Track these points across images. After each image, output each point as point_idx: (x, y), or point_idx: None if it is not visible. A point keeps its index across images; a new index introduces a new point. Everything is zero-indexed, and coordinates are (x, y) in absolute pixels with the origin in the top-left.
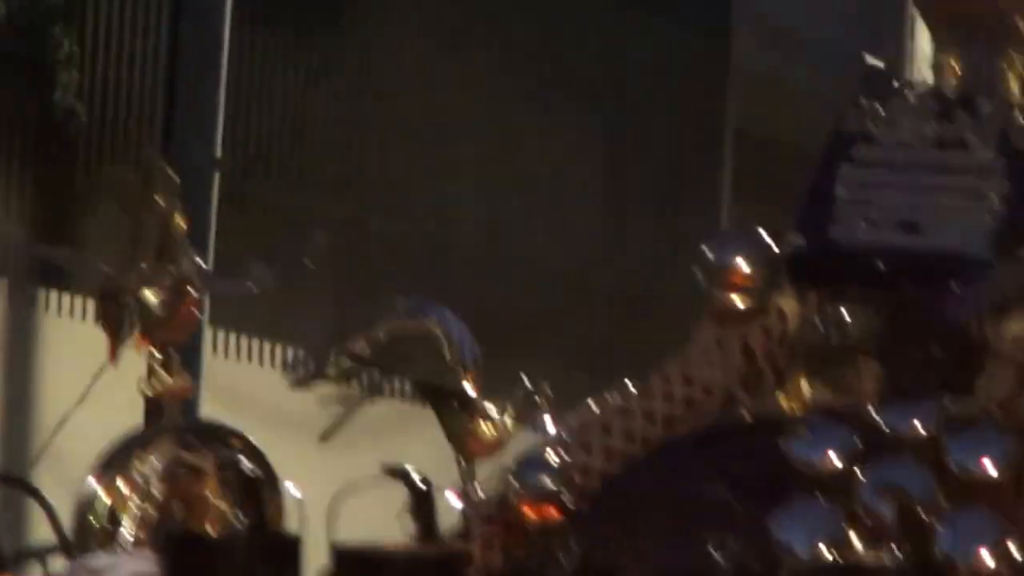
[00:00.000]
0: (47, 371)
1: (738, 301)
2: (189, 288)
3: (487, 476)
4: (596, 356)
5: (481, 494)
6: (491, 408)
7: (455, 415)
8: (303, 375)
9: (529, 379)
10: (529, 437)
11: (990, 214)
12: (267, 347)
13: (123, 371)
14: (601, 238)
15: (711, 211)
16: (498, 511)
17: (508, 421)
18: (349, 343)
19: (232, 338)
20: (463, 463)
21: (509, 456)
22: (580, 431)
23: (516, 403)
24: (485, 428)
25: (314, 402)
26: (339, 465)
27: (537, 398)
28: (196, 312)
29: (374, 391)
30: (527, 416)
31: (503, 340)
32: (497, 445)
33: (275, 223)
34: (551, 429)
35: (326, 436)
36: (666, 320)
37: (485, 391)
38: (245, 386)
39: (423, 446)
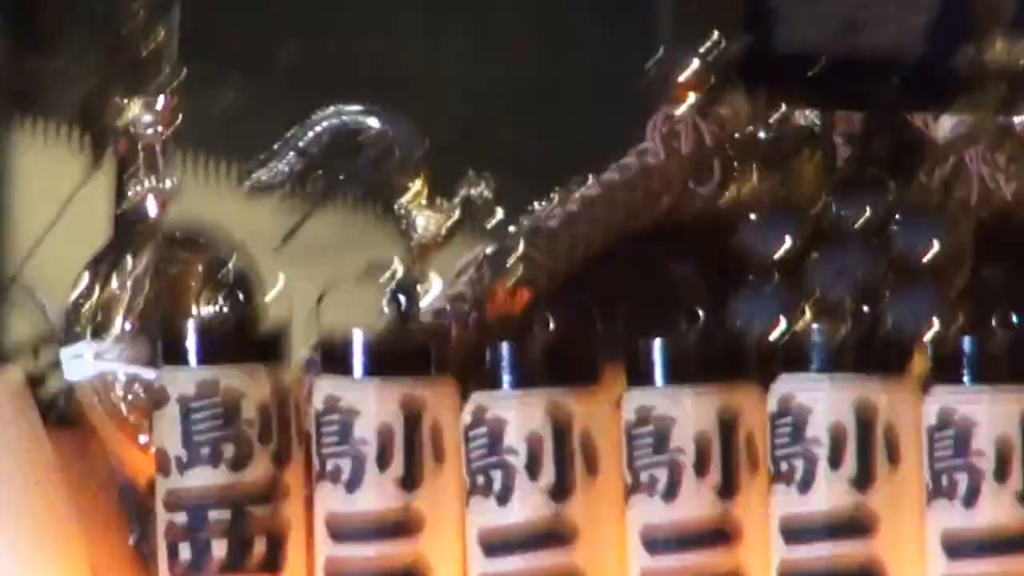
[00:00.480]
0: (20, 197)
1: (690, 100)
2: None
3: (461, 265)
4: (540, 165)
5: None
6: (439, 206)
7: (407, 220)
8: (258, 182)
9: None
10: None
11: (928, 11)
12: (223, 164)
13: (98, 196)
14: (538, 48)
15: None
16: (473, 295)
17: (454, 216)
18: (295, 145)
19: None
20: (412, 257)
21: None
22: (547, 220)
23: (463, 200)
24: (433, 224)
25: (271, 214)
26: (299, 273)
27: (485, 194)
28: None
29: (326, 198)
30: (475, 212)
31: (448, 150)
32: (445, 241)
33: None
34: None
35: (283, 243)
36: (611, 125)
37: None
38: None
39: (377, 250)
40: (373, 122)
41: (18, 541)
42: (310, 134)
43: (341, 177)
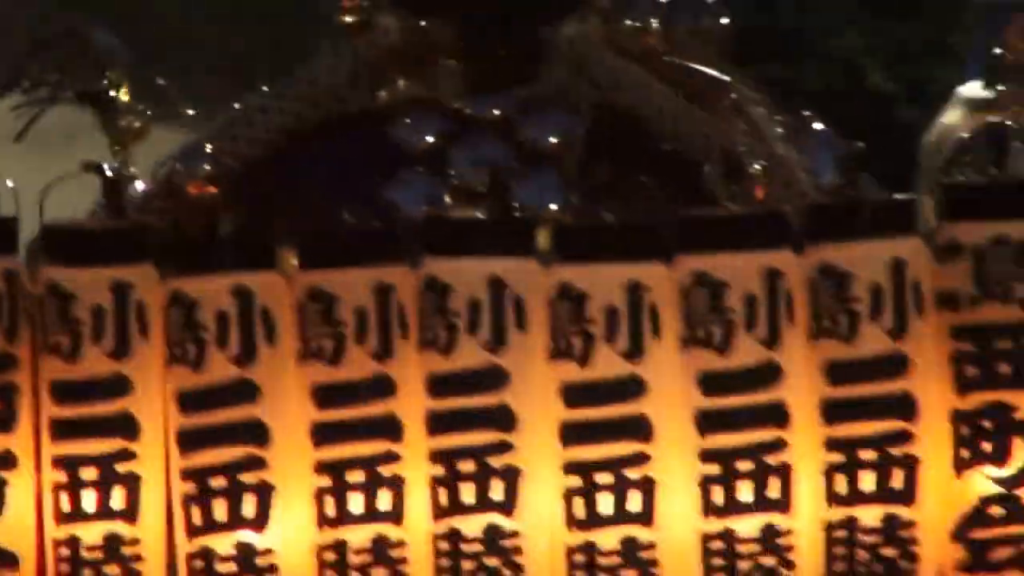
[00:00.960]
0: None
1: (349, 19)
2: None
3: (153, 164)
4: (237, 68)
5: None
6: (138, 107)
7: (111, 115)
8: None
9: (170, 86)
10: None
11: None
12: None
13: None
14: None
15: None
16: (167, 191)
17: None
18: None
19: None
20: (119, 154)
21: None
22: (231, 124)
23: (159, 103)
24: (133, 124)
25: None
26: (33, 164)
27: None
28: None
29: (53, 100)
30: (169, 112)
31: (154, 55)
32: (142, 136)
33: None
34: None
35: (18, 138)
36: (293, 37)
37: (135, 95)
38: None
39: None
40: (83, 29)
41: None
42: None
43: (56, 79)
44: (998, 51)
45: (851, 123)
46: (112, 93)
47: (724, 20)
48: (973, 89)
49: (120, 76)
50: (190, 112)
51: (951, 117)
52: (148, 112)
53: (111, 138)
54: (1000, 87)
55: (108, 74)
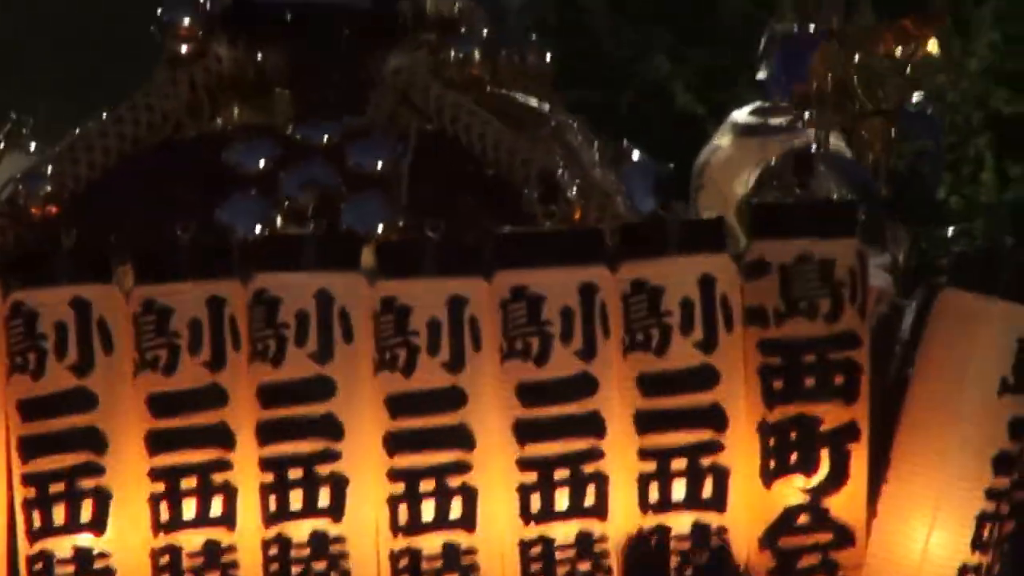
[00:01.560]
0: None
1: (184, 48)
2: None
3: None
4: (82, 92)
5: None
6: None
7: None
8: None
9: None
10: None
11: None
12: None
13: None
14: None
15: None
16: (10, 210)
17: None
18: None
19: None
20: None
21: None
22: (71, 148)
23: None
24: None
25: None
26: None
27: (24, 128)
28: None
29: None
30: (15, 140)
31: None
32: None
33: None
34: (40, 150)
35: None
36: (136, 64)
37: None
38: None
39: None
40: None
41: None
42: None
43: None
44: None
45: (662, 143)
46: None
47: (546, 55)
48: (742, 115)
49: None
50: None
51: (721, 139)
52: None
53: None
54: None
55: None
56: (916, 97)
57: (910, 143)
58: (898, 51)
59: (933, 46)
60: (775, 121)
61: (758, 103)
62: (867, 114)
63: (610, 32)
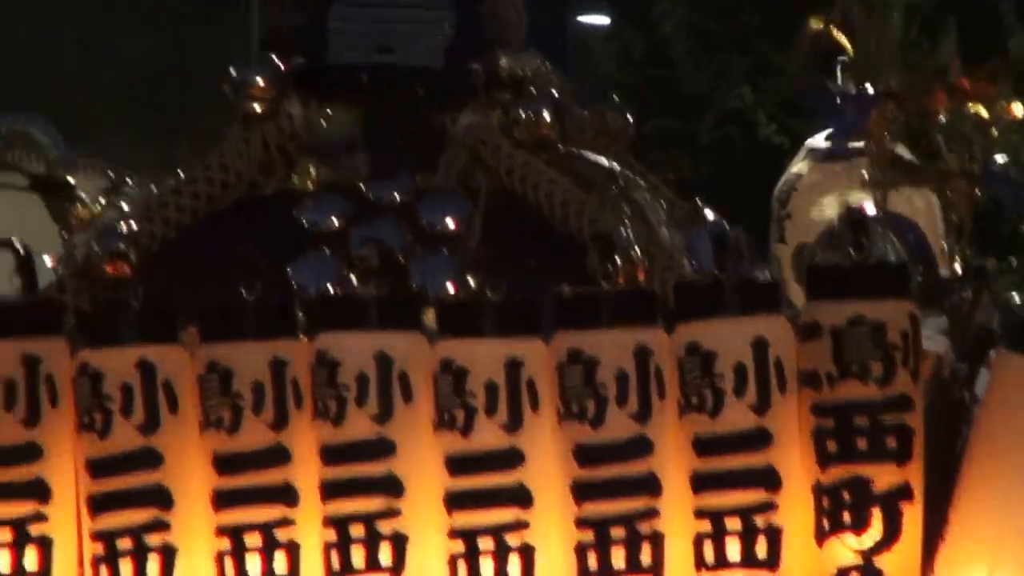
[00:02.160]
0: None
1: (257, 108)
2: None
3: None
4: (157, 151)
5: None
6: (84, 194)
7: (58, 200)
8: None
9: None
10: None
11: (442, 36)
12: None
13: None
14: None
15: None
16: (85, 268)
17: (99, 204)
18: None
19: None
20: (64, 236)
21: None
22: (146, 206)
23: (104, 189)
24: (80, 209)
25: None
26: None
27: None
28: None
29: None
30: (112, 198)
31: (89, 137)
32: (89, 222)
33: None
34: (127, 206)
35: None
36: (208, 122)
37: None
38: None
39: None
40: (35, 131)
41: None
42: None
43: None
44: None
45: (743, 172)
46: (60, 181)
47: (626, 115)
48: (819, 140)
49: (66, 163)
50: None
51: (798, 167)
52: (97, 201)
53: (60, 224)
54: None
55: (51, 163)
56: (1000, 159)
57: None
58: (983, 111)
59: (1018, 108)
60: (854, 145)
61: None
62: (952, 175)
63: (691, 62)
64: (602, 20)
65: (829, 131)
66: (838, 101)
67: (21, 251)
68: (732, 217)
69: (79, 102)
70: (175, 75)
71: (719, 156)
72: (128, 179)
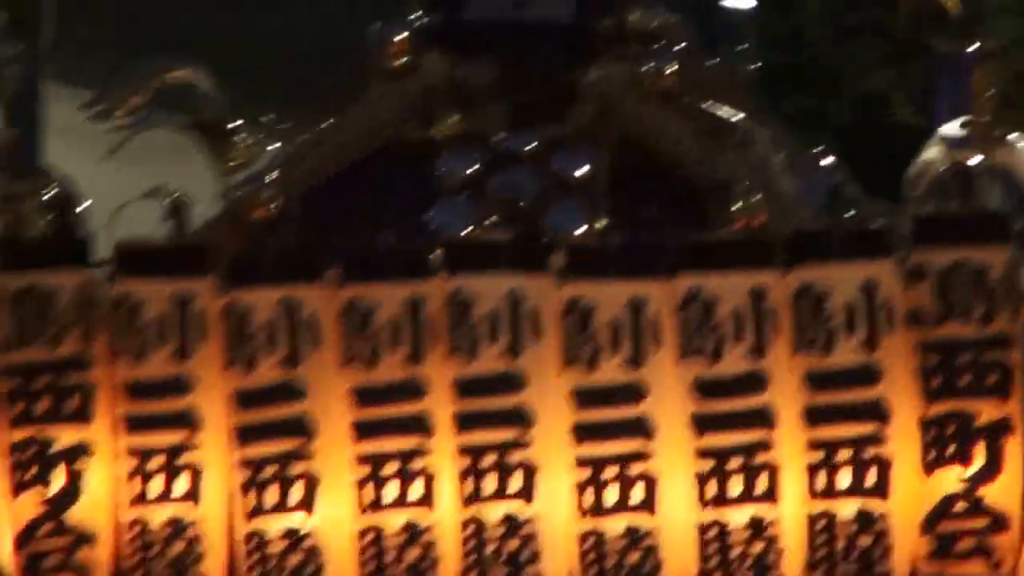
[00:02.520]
0: None
1: (398, 62)
2: None
3: (231, 187)
4: (309, 105)
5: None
6: (240, 137)
7: (215, 143)
8: (100, 110)
9: (260, 120)
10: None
11: None
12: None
13: None
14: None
15: None
16: (235, 212)
17: (253, 148)
18: (135, 85)
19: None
20: (222, 179)
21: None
22: (291, 156)
23: (254, 136)
24: (236, 153)
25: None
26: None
27: (265, 133)
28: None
29: (153, 122)
30: (260, 145)
31: (245, 94)
32: (244, 165)
33: None
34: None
35: (113, 151)
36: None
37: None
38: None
39: (190, 166)
40: (193, 74)
41: None
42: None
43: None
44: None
45: (878, 153)
46: (220, 124)
47: (750, 66)
48: (952, 128)
49: (219, 107)
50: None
51: (930, 153)
52: (251, 142)
53: (218, 165)
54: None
55: (213, 106)
56: None
57: None
58: None
59: None
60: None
61: (967, 116)
62: None
63: (829, 44)
64: (747, 3)
65: (964, 119)
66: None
67: (174, 197)
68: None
69: (235, 70)
70: (323, 45)
71: (855, 137)
72: (278, 127)
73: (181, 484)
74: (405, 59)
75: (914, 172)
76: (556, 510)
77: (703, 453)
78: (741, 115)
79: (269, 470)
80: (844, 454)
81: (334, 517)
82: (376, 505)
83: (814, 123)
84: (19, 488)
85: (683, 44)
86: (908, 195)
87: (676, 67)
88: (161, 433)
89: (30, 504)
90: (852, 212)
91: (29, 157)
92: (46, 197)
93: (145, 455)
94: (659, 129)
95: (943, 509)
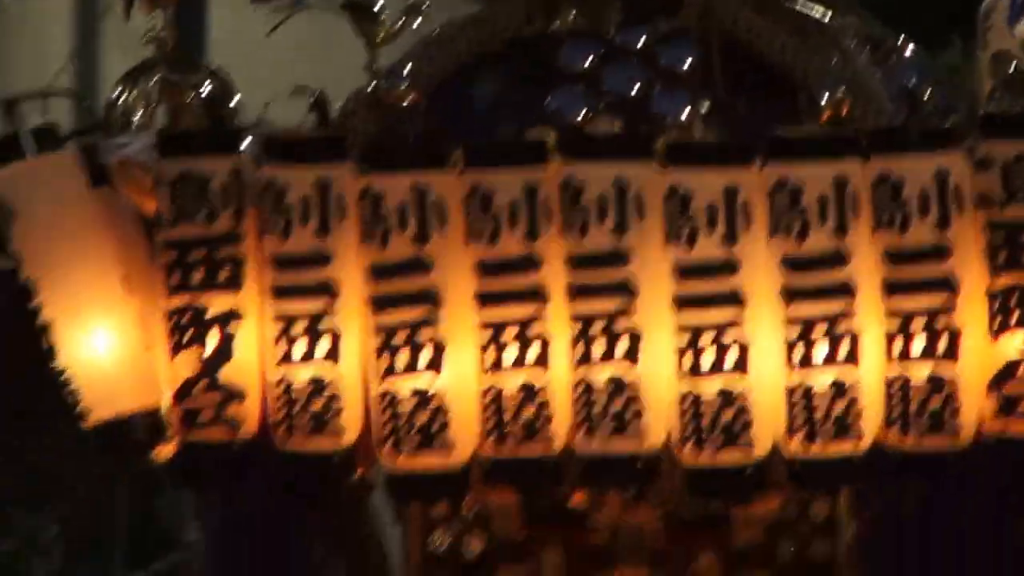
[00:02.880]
0: None
1: None
2: None
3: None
4: None
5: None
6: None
7: (364, 23)
8: None
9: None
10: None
11: None
12: None
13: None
14: None
15: None
16: (369, 103)
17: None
18: None
19: None
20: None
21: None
22: (425, 49)
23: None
24: (381, 32)
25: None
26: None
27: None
28: None
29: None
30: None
31: None
32: (391, 40)
33: None
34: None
35: (269, 34)
36: None
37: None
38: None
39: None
40: None
41: (85, 282)
42: None
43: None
44: None
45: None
46: (369, 4)
47: None
48: None
49: None
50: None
51: None
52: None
53: (367, 41)
54: None
55: None
56: None
57: None
58: None
59: None
60: None
61: None
62: None
63: None
64: None
65: None
66: None
67: (316, 93)
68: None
69: None
70: None
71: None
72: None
73: (322, 347)
74: None
75: (988, 4)
76: (658, 372)
77: (791, 322)
78: (830, 13)
79: (400, 336)
80: (918, 323)
81: (458, 378)
82: (496, 367)
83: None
84: (177, 349)
85: None
86: (982, 25)
87: None
88: (304, 301)
89: (186, 364)
90: (929, 107)
91: (193, 52)
92: (204, 91)
93: (289, 321)
94: (755, 28)
95: (1007, 372)
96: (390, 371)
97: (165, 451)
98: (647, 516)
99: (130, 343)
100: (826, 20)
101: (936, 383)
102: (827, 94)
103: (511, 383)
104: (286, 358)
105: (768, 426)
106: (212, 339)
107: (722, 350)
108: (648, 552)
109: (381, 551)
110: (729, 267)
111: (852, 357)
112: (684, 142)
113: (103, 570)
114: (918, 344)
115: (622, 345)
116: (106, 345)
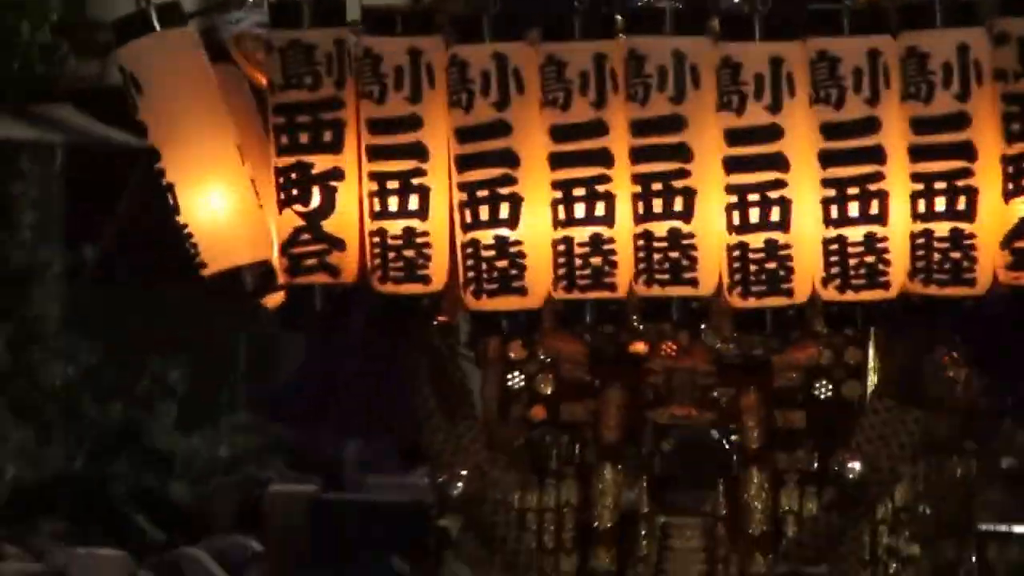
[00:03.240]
0: None
1: None
2: None
3: None
4: None
5: None
6: None
7: None
8: None
9: None
10: None
11: None
12: None
13: None
14: None
15: None
16: None
17: None
18: None
19: None
20: None
21: None
22: None
23: None
24: None
25: None
26: None
27: None
28: None
29: None
30: None
31: None
32: None
33: None
34: None
35: None
36: None
37: None
38: None
39: None
40: None
41: (203, 148)
42: None
43: None
44: None
45: None
46: None
47: None
48: None
49: None
50: None
51: None
52: None
53: None
54: None
55: None
56: None
57: None
58: None
59: None
60: None
61: None
62: None
63: None
64: None
65: None
66: None
67: None
68: None
69: None
70: None
71: None
72: None
73: (413, 202)
74: None
75: None
76: (710, 227)
77: (828, 183)
78: None
79: (482, 192)
80: (940, 185)
81: (533, 230)
82: (567, 221)
83: None
84: (284, 204)
85: None
86: None
87: None
88: (397, 161)
89: (293, 217)
90: None
91: None
92: None
93: (384, 178)
94: None
95: (1019, 229)
96: (474, 223)
97: (275, 298)
98: (698, 360)
99: (243, 202)
100: None
101: (956, 238)
102: None
103: (580, 235)
104: (382, 211)
105: (807, 274)
106: (316, 194)
107: (767, 207)
108: (699, 391)
109: (466, 386)
110: (774, 132)
111: (882, 215)
112: (735, 17)
113: (217, 408)
114: (940, 203)
115: (678, 202)
116: (222, 204)
